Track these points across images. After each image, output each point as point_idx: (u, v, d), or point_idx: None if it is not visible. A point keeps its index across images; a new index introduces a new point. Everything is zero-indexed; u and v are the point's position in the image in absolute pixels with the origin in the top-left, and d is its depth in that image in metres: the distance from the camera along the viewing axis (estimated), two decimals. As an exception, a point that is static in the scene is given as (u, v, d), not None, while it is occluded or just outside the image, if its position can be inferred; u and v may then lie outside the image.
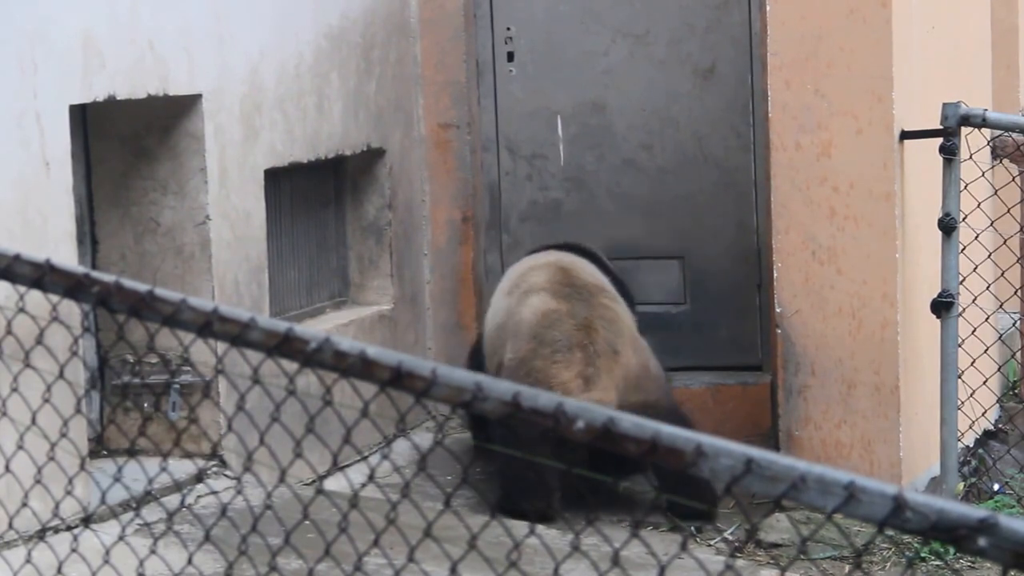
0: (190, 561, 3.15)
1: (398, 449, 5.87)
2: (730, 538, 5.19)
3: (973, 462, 5.98)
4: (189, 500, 4.58)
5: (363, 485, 2.88)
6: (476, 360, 5.79)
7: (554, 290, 5.43)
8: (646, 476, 5.31)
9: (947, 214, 5.52)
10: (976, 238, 5.64)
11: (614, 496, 5.37)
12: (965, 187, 5.54)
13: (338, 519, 2.61)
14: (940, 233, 5.54)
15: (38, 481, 3.44)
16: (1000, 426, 6.41)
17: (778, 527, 5.13)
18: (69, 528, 4.19)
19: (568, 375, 5.23)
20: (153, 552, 3.15)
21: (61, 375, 3.20)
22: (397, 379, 2.40)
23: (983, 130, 5.57)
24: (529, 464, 4.92)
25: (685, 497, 4.87)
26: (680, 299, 6.51)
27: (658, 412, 5.22)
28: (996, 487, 5.84)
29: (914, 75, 5.76)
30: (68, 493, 3.51)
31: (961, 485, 5.67)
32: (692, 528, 5.20)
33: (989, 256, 5.78)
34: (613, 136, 6.62)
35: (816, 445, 5.66)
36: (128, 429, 5.00)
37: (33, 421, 3.35)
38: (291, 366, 2.59)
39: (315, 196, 6.19)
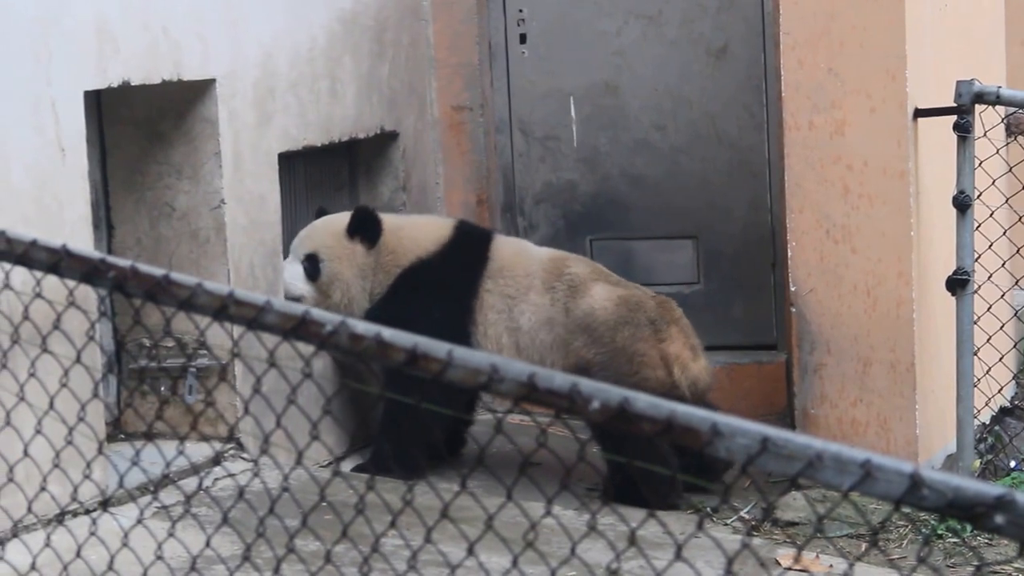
0: (208, 543, 3.16)
1: (414, 431, 5.87)
2: (747, 517, 5.19)
3: (989, 439, 5.98)
4: (206, 483, 4.60)
5: (380, 467, 2.88)
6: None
7: (606, 278, 5.43)
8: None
9: (962, 191, 5.51)
10: (991, 215, 5.64)
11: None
12: (979, 164, 5.53)
13: (355, 501, 2.62)
14: (955, 211, 5.53)
15: (56, 465, 3.45)
16: (1016, 403, 6.41)
17: (795, 505, 5.14)
18: (87, 512, 4.20)
19: (677, 347, 5.32)
20: (171, 535, 3.16)
21: (78, 360, 3.21)
22: (413, 361, 2.41)
23: (997, 107, 5.56)
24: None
25: (694, 471, 4.91)
26: (694, 279, 6.51)
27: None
28: (1012, 464, 5.85)
29: (927, 53, 5.75)
30: (86, 477, 3.53)
31: (977, 462, 5.67)
32: (708, 508, 5.21)
33: (1004, 233, 5.77)
34: (626, 117, 6.62)
35: (832, 423, 5.66)
36: (145, 413, 5.01)
37: (51, 405, 3.36)
38: (307, 349, 2.59)
39: (329, 179, 6.20)
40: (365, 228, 5.51)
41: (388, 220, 5.62)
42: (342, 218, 5.55)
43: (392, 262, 5.50)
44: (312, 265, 5.50)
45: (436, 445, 5.44)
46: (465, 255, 5.50)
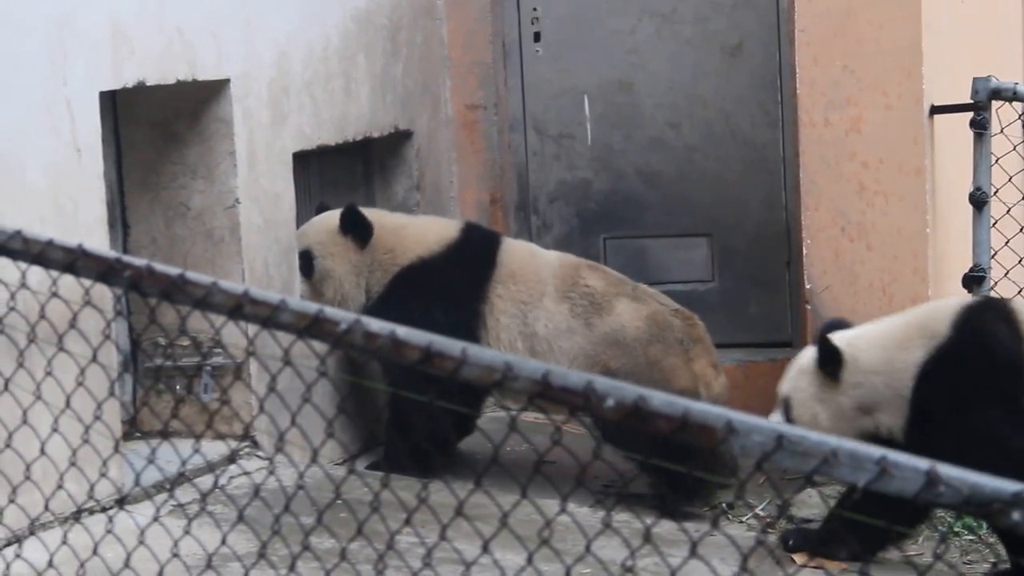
0: (224, 541, 3.17)
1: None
2: (762, 514, 5.19)
3: (1005, 437, 5.95)
4: (222, 481, 4.61)
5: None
6: None
7: (627, 293, 5.40)
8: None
9: (978, 188, 5.51)
10: (1008, 212, 5.63)
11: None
12: (996, 161, 5.53)
13: (370, 498, 2.62)
14: (971, 207, 5.52)
15: (73, 463, 3.46)
16: (1032, 401, 6.38)
17: (810, 503, 5.13)
18: (104, 509, 4.21)
19: (702, 365, 5.33)
20: (187, 532, 3.17)
21: (94, 358, 3.22)
22: (427, 359, 2.41)
23: (1014, 104, 5.56)
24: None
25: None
26: (708, 277, 6.50)
27: None
28: None
29: (944, 49, 5.74)
30: (103, 475, 3.54)
31: (993, 460, 5.65)
32: (724, 505, 5.21)
33: (1021, 230, 5.76)
34: (640, 115, 6.62)
35: (847, 421, 5.64)
36: (161, 411, 5.03)
37: (67, 404, 3.37)
38: (322, 347, 2.60)
39: (343, 178, 6.20)
40: (354, 227, 5.50)
41: (389, 218, 5.61)
42: (337, 215, 5.56)
43: (391, 260, 5.48)
44: (306, 262, 5.50)
45: (446, 441, 5.45)
46: (472, 257, 5.47)
